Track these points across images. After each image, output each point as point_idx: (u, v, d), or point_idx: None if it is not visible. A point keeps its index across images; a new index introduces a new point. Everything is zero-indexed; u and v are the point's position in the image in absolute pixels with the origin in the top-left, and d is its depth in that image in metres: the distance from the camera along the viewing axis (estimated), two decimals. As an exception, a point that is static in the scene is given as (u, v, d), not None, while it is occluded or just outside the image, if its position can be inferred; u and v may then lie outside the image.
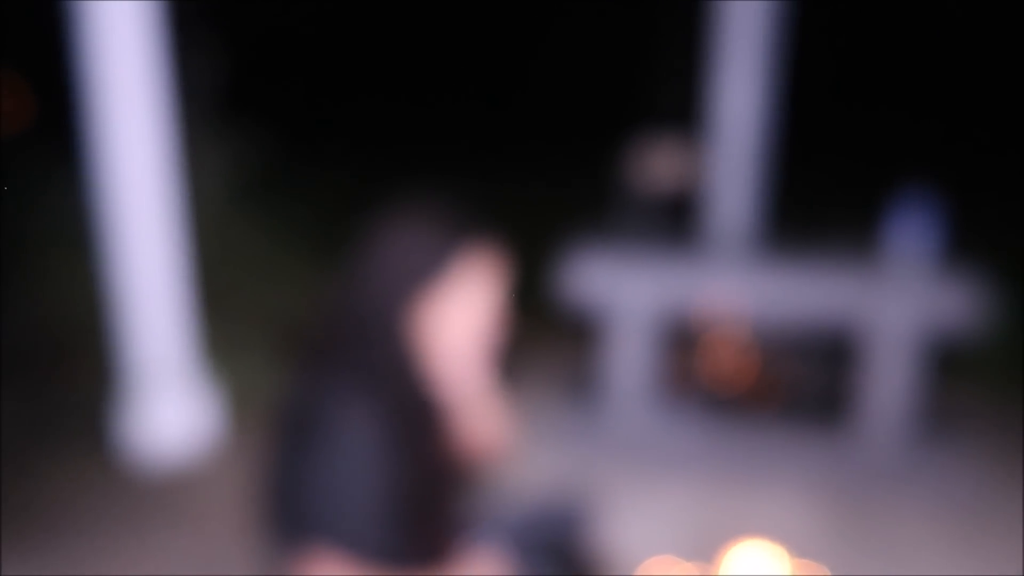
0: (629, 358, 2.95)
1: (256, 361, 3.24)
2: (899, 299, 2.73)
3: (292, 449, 1.30)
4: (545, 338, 3.84)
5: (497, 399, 1.56)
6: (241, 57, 4.47)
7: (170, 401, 3.05)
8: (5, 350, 3.74)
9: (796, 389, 3.15)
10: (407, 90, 7.74)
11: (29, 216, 4.12)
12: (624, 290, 2.89)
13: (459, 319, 1.37)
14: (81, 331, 3.57)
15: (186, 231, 3.06)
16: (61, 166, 3.51)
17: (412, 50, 8.00)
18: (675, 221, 3.23)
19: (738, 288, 2.85)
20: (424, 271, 1.34)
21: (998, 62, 6.62)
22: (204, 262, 3.28)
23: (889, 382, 2.79)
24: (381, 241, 1.36)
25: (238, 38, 4.69)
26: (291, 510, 1.30)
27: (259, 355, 3.25)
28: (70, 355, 3.68)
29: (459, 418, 1.46)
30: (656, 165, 3.24)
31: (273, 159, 4.24)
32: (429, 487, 1.36)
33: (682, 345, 3.15)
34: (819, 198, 4.51)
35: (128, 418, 3.07)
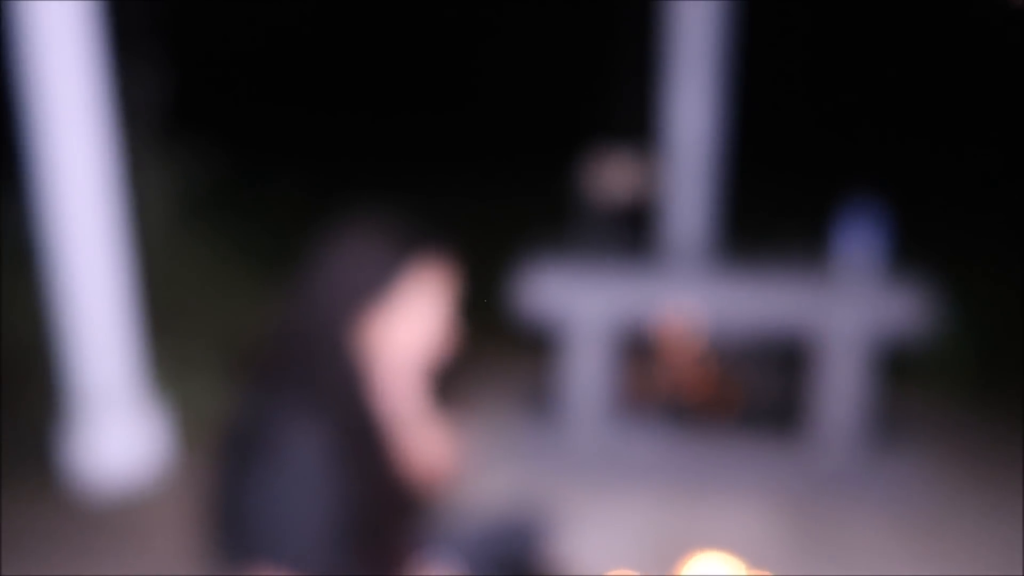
0: (586, 371, 2.95)
1: (206, 383, 3.17)
2: (849, 306, 2.77)
3: (238, 468, 1.27)
4: (502, 352, 3.82)
5: (446, 416, 1.54)
6: (187, 72, 4.39)
7: (118, 425, 2.98)
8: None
9: (751, 398, 3.17)
10: (358, 104, 7.70)
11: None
12: (580, 302, 2.89)
13: (406, 335, 1.35)
14: (26, 354, 3.46)
15: (133, 251, 3.00)
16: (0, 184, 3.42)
17: (362, 63, 7.97)
18: (630, 233, 3.25)
19: (693, 299, 2.87)
20: (370, 287, 1.32)
21: (942, 72, 6.80)
22: (152, 282, 3.21)
23: (840, 389, 2.82)
24: (326, 256, 1.34)
25: (184, 53, 4.62)
26: (237, 530, 1.27)
27: (209, 376, 3.18)
28: (15, 379, 3.57)
29: (406, 436, 1.44)
30: (610, 177, 3.26)
31: (222, 176, 4.17)
32: (377, 506, 1.34)
33: (639, 357, 3.15)
34: (770, 209, 4.57)
35: (75, 443, 2.99)
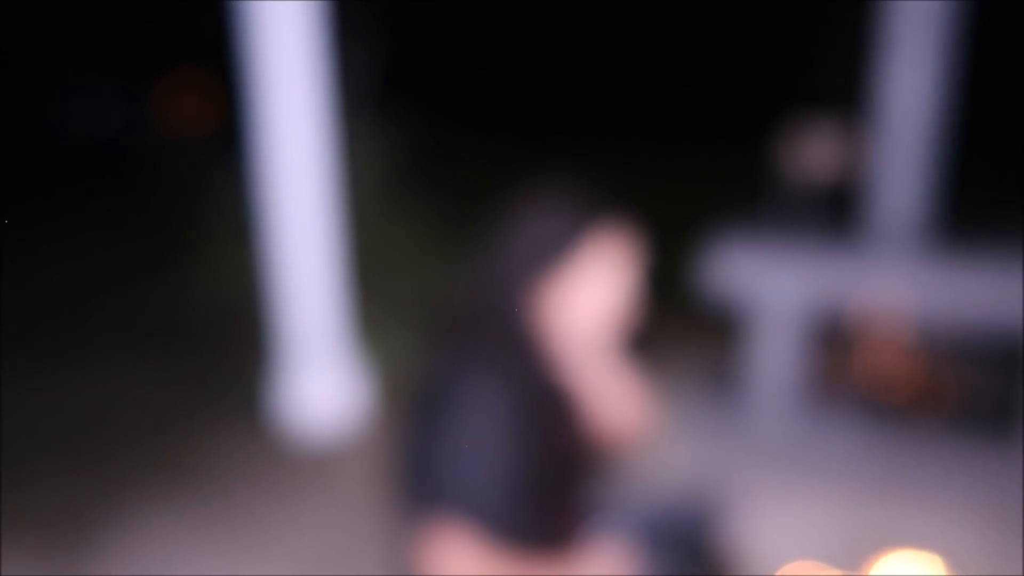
0: (776, 355, 2.84)
1: (406, 339, 3.34)
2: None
3: (426, 423, 1.33)
4: (690, 329, 3.75)
5: (629, 386, 1.53)
6: (398, 48, 4.59)
7: (323, 377, 3.19)
8: (171, 326, 4.02)
9: (962, 397, 2.93)
10: (560, 79, 7.75)
11: (194, 198, 4.37)
12: (773, 283, 2.77)
13: (586, 304, 1.36)
14: (241, 309, 3.78)
15: (342, 214, 3.18)
16: (224, 148, 3.73)
17: (564, 40, 8.00)
18: (832, 211, 3.07)
19: (901, 285, 2.67)
20: (548, 253, 1.33)
21: None
22: (358, 244, 3.39)
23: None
24: (508, 223, 1.36)
25: (396, 30, 4.82)
26: (423, 480, 1.33)
27: (408, 334, 3.35)
28: (230, 331, 3.91)
29: (586, 403, 1.44)
30: (812, 150, 3.09)
31: (426, 145, 4.35)
32: (555, 469, 1.36)
33: (837, 344, 2.99)
34: (995, 190, 4.15)
35: (282, 392, 3.23)
